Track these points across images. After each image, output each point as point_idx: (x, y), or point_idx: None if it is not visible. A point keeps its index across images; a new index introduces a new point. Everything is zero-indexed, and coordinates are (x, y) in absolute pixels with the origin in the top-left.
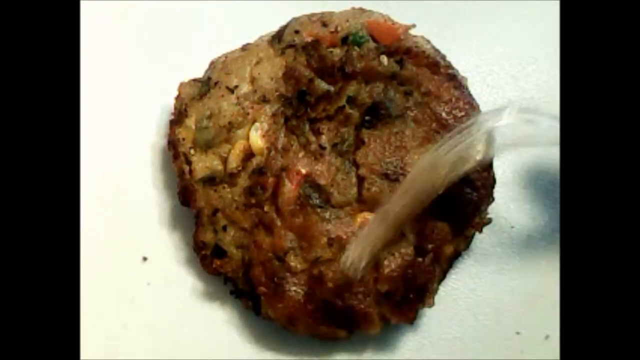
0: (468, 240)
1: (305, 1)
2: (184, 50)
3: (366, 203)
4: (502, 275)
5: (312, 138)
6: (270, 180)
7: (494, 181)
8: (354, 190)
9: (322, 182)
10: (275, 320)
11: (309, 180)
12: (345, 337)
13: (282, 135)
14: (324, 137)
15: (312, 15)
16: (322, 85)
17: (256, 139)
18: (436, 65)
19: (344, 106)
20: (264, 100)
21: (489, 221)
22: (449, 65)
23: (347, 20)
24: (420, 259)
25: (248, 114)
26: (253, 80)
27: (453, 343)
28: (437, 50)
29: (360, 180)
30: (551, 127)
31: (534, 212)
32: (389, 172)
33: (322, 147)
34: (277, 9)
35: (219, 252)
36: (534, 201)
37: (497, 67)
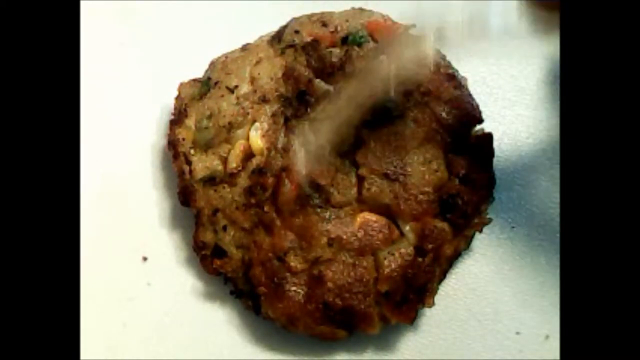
0: (468, 240)
1: (305, 1)
2: (184, 50)
3: (366, 203)
4: (502, 275)
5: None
6: (270, 180)
7: (494, 181)
8: (354, 190)
9: (322, 182)
10: (275, 320)
11: (309, 180)
12: (345, 337)
13: (282, 135)
14: None
15: (312, 15)
16: (322, 85)
17: (256, 139)
18: (436, 65)
19: None
20: (264, 100)
21: (489, 221)
22: (449, 65)
23: (347, 20)
24: (420, 259)
25: (248, 114)
26: (253, 80)
27: (453, 343)
28: (437, 51)
29: (360, 180)
30: (500, 23)
31: (534, 212)
32: (389, 172)
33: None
34: (277, 9)
35: (219, 252)
36: (534, 201)
37: (496, 67)
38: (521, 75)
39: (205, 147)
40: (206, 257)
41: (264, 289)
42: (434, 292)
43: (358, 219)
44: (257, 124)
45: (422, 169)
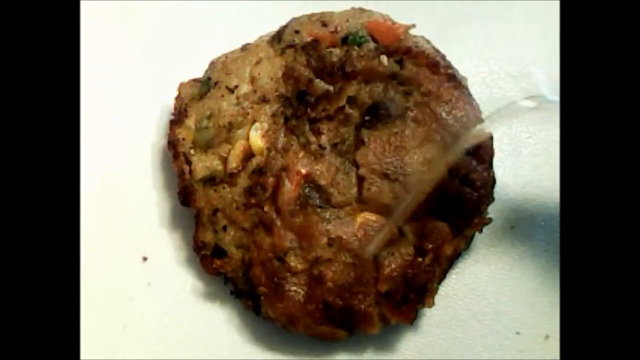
0: (468, 240)
1: (305, 1)
2: (184, 50)
3: (366, 203)
4: (502, 275)
5: (312, 138)
6: (270, 180)
7: (494, 181)
8: (354, 190)
9: (322, 182)
10: (275, 320)
11: (309, 180)
12: (345, 337)
13: (282, 135)
14: (324, 137)
15: (312, 15)
16: (322, 85)
17: (256, 139)
18: (436, 65)
19: (344, 106)
20: (264, 100)
21: (489, 221)
22: (449, 65)
23: (347, 20)
24: (420, 259)
25: (248, 114)
26: (253, 80)
27: (453, 343)
28: (437, 50)
29: (360, 180)
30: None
31: (534, 212)
32: (389, 172)
33: (322, 147)
34: (277, 9)
35: (219, 252)
36: (534, 201)
37: (497, 67)
38: (521, 75)
39: (205, 147)
40: (206, 257)
41: (264, 289)
42: (434, 292)
43: (358, 219)
44: (257, 124)
45: (422, 169)
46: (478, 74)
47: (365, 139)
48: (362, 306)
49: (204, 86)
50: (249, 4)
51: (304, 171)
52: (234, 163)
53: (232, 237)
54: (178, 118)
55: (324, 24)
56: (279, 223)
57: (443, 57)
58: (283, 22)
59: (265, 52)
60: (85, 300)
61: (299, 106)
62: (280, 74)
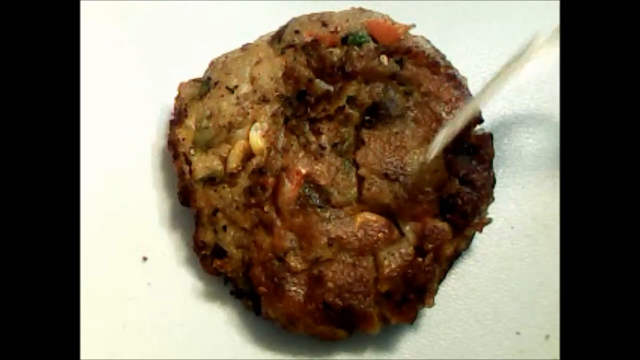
0: (468, 240)
1: (305, 1)
2: (184, 50)
3: (366, 203)
4: (502, 275)
5: (312, 138)
6: (270, 180)
7: (494, 181)
8: (354, 190)
9: (322, 182)
10: (275, 320)
11: (309, 180)
12: (345, 337)
13: (282, 135)
14: (324, 137)
15: (312, 15)
16: (322, 85)
17: (256, 139)
18: (436, 65)
19: (344, 106)
20: (264, 100)
21: (489, 221)
22: (449, 65)
23: (347, 20)
24: (420, 259)
25: (248, 114)
26: (253, 80)
27: (453, 343)
28: (437, 50)
29: (360, 180)
30: None
31: (534, 212)
32: (389, 172)
33: (322, 147)
34: (277, 9)
35: (219, 252)
36: (534, 201)
37: (497, 67)
38: (521, 75)
39: (205, 147)
40: (206, 257)
41: (264, 289)
42: (434, 292)
43: (358, 219)
44: (257, 124)
45: (422, 169)
46: (478, 74)
47: (365, 139)
48: (362, 306)
49: (204, 86)
50: (249, 4)
51: (304, 171)
52: (234, 163)
53: (232, 237)
54: (178, 118)
55: (324, 24)
56: (279, 223)
57: (443, 57)
58: (283, 22)
59: (265, 52)
60: (85, 300)
61: (299, 106)
62: (280, 74)
